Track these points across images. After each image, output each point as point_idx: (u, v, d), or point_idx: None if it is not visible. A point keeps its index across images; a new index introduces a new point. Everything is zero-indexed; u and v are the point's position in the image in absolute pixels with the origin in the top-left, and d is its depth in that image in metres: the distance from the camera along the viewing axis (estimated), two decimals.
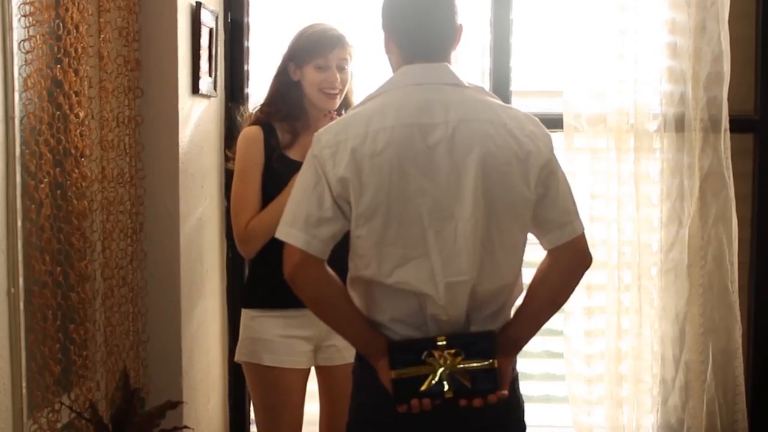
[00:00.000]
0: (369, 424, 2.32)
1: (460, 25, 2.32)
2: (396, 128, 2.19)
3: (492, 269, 2.24)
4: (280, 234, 2.25)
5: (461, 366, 2.18)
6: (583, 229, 2.35)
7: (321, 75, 2.98)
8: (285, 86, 3.03)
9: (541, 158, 2.25)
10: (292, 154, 3.01)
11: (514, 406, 2.36)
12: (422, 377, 2.18)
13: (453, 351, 2.17)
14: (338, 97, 3.01)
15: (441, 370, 2.17)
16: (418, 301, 2.22)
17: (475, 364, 2.18)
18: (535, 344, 3.73)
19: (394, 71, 2.35)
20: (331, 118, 2.96)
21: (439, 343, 2.18)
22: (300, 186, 2.26)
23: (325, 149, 2.21)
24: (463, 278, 2.20)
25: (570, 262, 2.35)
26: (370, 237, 2.20)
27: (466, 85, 2.30)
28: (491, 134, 2.21)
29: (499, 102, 2.32)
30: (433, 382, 2.17)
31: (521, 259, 2.32)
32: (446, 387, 2.17)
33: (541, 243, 2.34)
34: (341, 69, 3.00)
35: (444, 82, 2.28)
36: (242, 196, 2.99)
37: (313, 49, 2.98)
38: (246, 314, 3.06)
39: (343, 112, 3.09)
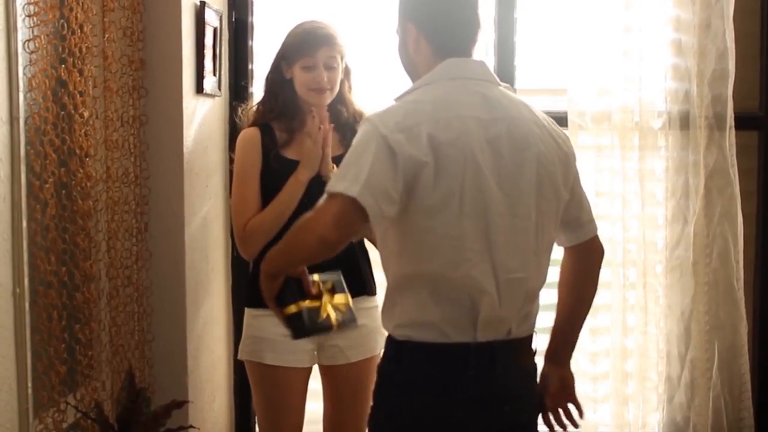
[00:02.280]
0: (411, 427, 2.25)
1: (481, 22, 2.34)
2: (465, 118, 2.17)
3: (537, 268, 2.28)
4: (339, 187, 2.06)
5: (337, 302, 2.33)
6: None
7: (308, 75, 2.98)
8: (278, 85, 3.05)
9: (574, 160, 2.34)
10: (289, 154, 3.02)
11: (538, 405, 2.41)
12: (317, 310, 2.28)
13: (329, 286, 2.28)
14: (328, 93, 3.01)
15: (327, 302, 2.28)
16: (473, 301, 2.19)
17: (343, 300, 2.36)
18: (539, 342, 3.74)
19: (416, 69, 2.32)
20: (314, 116, 2.96)
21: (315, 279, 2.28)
22: (368, 155, 2.09)
23: (397, 133, 2.11)
24: (522, 275, 2.22)
25: (593, 258, 2.46)
26: (440, 229, 2.14)
27: (500, 83, 2.33)
28: (538, 134, 2.25)
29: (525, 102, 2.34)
30: (325, 314, 2.27)
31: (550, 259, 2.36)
32: (333, 319, 2.30)
33: (561, 241, 2.40)
34: (329, 68, 2.99)
35: (486, 79, 2.29)
36: (241, 198, 3.00)
37: (300, 49, 2.98)
38: (249, 313, 3.07)
39: (342, 109, 3.09)
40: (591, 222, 2.42)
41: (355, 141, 2.18)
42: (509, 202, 2.19)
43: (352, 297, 2.55)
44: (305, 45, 2.98)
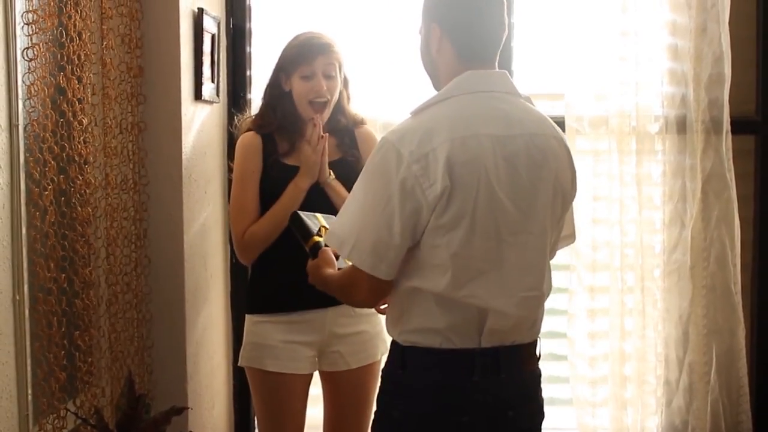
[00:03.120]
0: None
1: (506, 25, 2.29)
2: (481, 137, 2.14)
3: (548, 279, 2.30)
4: (354, 257, 2.19)
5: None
6: None
7: (307, 84, 2.98)
8: (276, 98, 3.05)
9: (576, 175, 2.34)
10: (289, 160, 3.02)
11: (541, 410, 2.40)
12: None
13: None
14: (327, 107, 3.01)
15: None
16: (480, 314, 2.19)
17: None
18: (538, 346, 3.74)
19: (437, 71, 2.29)
20: (314, 125, 2.96)
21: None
22: (371, 203, 2.16)
23: (414, 164, 2.11)
24: (536, 293, 2.24)
25: None
26: (449, 248, 2.14)
27: (521, 94, 2.29)
28: (557, 151, 2.25)
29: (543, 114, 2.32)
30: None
31: None
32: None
33: None
34: (328, 77, 2.99)
35: (508, 91, 2.26)
36: (240, 204, 3.01)
37: (297, 59, 2.98)
38: (249, 319, 3.08)
39: (341, 119, 3.09)
40: (569, 238, 2.43)
41: (369, 166, 2.19)
42: (524, 220, 2.18)
43: None
44: (302, 54, 2.98)
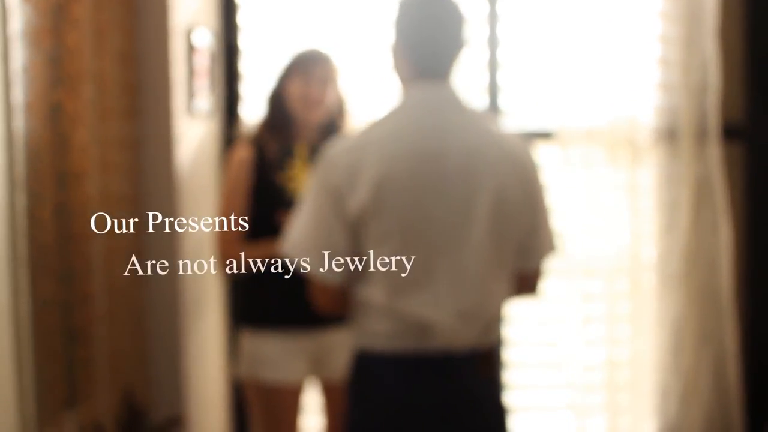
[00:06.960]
0: None
1: (467, 40, 2.33)
2: (413, 154, 2.20)
3: (495, 291, 2.29)
4: (308, 265, 2.28)
5: None
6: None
7: (302, 85, 3.02)
8: (275, 98, 3.08)
9: (538, 189, 2.34)
10: (280, 178, 3.04)
11: (499, 418, 2.40)
12: None
13: None
14: (317, 109, 3.04)
15: None
16: (420, 323, 2.23)
17: None
18: (532, 354, 3.77)
19: (399, 81, 2.35)
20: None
21: None
22: (311, 211, 2.27)
23: (342, 175, 2.21)
24: (477, 306, 2.24)
25: (526, 289, 2.46)
26: (381, 261, 2.21)
27: (472, 109, 2.32)
28: (502, 165, 2.25)
29: (499, 128, 2.35)
30: None
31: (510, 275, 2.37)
32: None
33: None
34: (323, 84, 3.03)
35: (454, 106, 2.29)
36: (225, 221, 3.05)
37: (299, 62, 3.04)
38: (246, 331, 3.09)
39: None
40: (534, 255, 2.40)
41: (312, 176, 2.30)
42: (458, 235, 2.21)
43: None
44: (304, 58, 3.04)
